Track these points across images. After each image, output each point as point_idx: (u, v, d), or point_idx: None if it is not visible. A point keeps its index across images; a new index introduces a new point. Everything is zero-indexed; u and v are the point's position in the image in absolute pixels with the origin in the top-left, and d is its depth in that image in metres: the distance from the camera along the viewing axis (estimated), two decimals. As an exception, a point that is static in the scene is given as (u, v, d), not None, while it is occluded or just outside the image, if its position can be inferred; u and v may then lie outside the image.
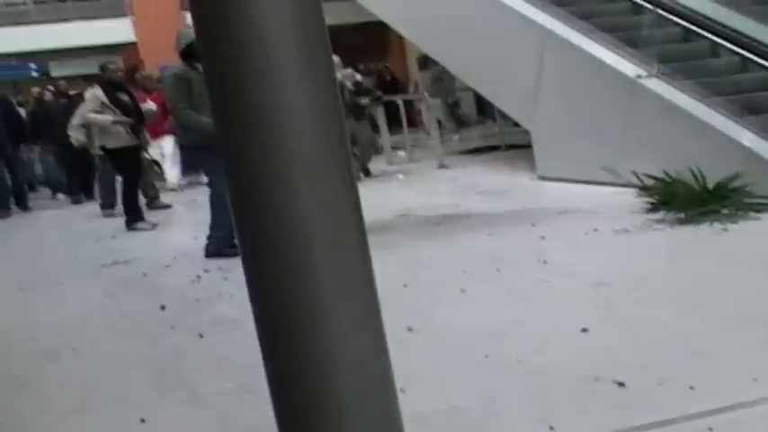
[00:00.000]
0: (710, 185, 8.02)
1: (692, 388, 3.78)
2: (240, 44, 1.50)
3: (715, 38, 10.42)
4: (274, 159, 1.53)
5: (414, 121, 18.82)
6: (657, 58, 9.80)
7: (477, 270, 6.65)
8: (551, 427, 3.52)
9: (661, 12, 10.70)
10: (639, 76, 9.67)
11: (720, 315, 4.85)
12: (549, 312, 5.34)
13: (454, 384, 4.22)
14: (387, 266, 7.13)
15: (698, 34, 10.60)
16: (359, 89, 14.63)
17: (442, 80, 18.71)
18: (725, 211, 7.75)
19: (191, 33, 7.95)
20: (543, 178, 11.37)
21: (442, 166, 14.30)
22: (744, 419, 3.47)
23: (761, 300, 5.04)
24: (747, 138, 8.58)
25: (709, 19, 10.58)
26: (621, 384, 3.89)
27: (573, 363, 4.31)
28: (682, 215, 7.75)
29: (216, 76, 1.54)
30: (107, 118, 11.08)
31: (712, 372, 3.99)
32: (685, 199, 7.97)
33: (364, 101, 14.61)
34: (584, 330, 4.78)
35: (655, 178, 8.41)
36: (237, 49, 1.50)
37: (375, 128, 15.87)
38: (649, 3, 10.87)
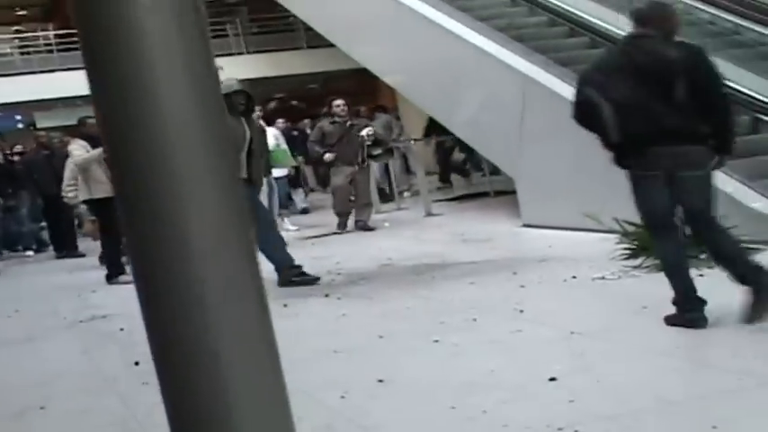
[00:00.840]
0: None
1: (654, 438, 3.75)
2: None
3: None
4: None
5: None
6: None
7: (454, 320, 6.62)
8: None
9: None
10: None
11: (688, 363, 4.83)
12: (519, 362, 5.32)
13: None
14: (364, 317, 7.20)
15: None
16: (375, 141, 14.57)
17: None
18: (703, 256, 7.72)
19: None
20: (527, 225, 11.35)
21: (429, 214, 14.30)
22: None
23: (728, 349, 5.02)
24: (724, 182, 8.57)
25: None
26: (582, 435, 3.86)
27: (537, 413, 4.28)
28: (659, 261, 7.72)
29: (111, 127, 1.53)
30: (98, 151, 10.72)
31: (675, 421, 3.96)
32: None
33: (377, 152, 14.58)
34: (553, 380, 4.75)
35: (635, 224, 8.38)
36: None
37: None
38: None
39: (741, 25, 11.70)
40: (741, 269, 5.73)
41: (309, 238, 13.19)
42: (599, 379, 4.78)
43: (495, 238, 10.98)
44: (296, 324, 7.38)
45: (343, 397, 4.93)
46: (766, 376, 4.45)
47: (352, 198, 13.55)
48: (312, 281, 9.10)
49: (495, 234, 11.26)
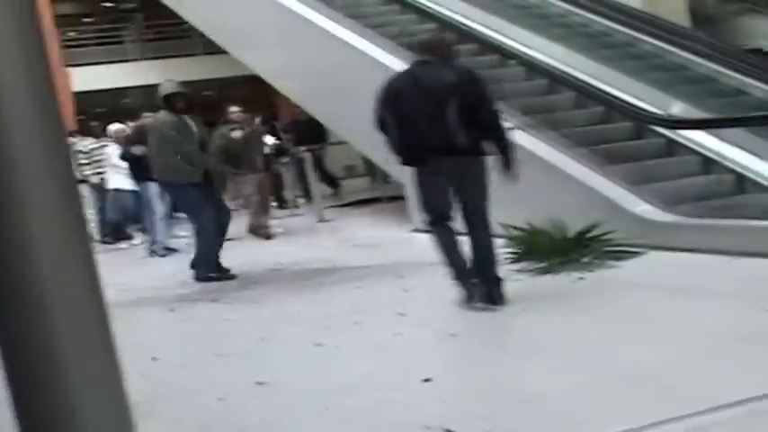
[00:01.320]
0: (573, 234, 8.21)
1: (518, 434, 3.86)
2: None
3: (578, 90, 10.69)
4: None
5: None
6: (522, 111, 10.02)
7: (338, 323, 6.70)
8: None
9: (525, 65, 10.96)
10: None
11: (559, 362, 4.96)
12: (397, 364, 5.41)
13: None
14: (249, 321, 7.25)
15: (562, 87, 10.84)
16: (278, 151, 14.71)
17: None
18: (585, 259, 7.93)
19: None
20: (417, 231, 11.44)
21: (321, 220, 14.37)
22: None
23: (599, 347, 5.18)
24: (608, 187, 8.81)
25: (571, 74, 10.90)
26: (451, 432, 3.96)
27: (409, 413, 4.37)
28: (543, 264, 7.90)
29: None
30: None
31: (540, 417, 4.08)
32: (547, 248, 8.13)
33: (285, 160, 14.83)
34: (428, 380, 4.85)
35: (518, 229, 8.57)
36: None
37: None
38: (513, 57, 11.12)
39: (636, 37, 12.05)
40: (485, 266, 6.81)
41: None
42: (472, 379, 4.90)
43: (384, 243, 11.09)
44: (182, 328, 7.42)
45: (221, 399, 4.98)
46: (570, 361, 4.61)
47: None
48: (230, 277, 9.43)
49: (384, 239, 11.38)
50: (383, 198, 16.08)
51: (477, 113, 6.69)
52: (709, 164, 9.70)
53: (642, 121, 10.02)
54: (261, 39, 15.32)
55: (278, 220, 14.96)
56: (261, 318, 7.34)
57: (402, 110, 6.83)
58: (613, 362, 4.88)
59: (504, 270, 7.83)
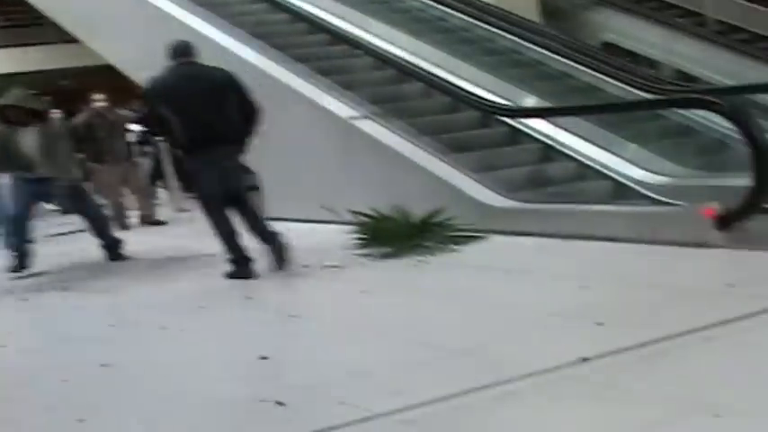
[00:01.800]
0: (417, 220, 8.51)
1: (341, 403, 4.11)
2: None
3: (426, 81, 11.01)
4: None
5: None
6: (370, 100, 10.30)
7: (185, 308, 6.92)
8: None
9: (375, 57, 11.23)
10: (352, 118, 10.14)
11: (389, 339, 5.25)
12: (237, 344, 5.63)
13: (121, 414, 4.43)
14: (98, 308, 7.38)
15: (411, 77, 11.14)
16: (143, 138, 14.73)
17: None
18: (428, 244, 8.23)
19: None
20: (272, 218, 11.61)
21: (181, 210, 14.42)
22: (381, 428, 3.82)
23: (427, 324, 5.49)
24: (451, 174, 9.14)
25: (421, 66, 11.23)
26: (281, 404, 4.19)
27: (244, 388, 4.60)
28: (388, 250, 8.18)
29: None
30: None
31: (362, 388, 4.35)
32: (392, 234, 8.41)
33: (148, 149, 15.06)
34: (264, 358, 5.08)
35: (366, 215, 8.83)
36: None
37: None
38: (363, 49, 11.39)
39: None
40: (264, 234, 7.97)
41: (64, 234, 13.02)
42: (306, 355, 5.15)
43: (239, 230, 11.23)
44: (32, 316, 7.52)
45: (65, 381, 5.13)
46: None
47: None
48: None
49: (239, 227, 11.51)
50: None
51: (245, 106, 7.88)
52: (550, 152, 10.12)
53: (484, 110, 10.38)
54: (114, 29, 15.29)
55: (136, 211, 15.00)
56: (109, 305, 7.48)
57: (180, 106, 7.64)
58: (438, 337, 5.18)
59: (350, 255, 8.15)
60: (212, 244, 10.21)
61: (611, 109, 10.06)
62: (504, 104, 10.59)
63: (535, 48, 11.78)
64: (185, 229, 12.13)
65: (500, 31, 12.28)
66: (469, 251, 7.93)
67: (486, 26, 12.43)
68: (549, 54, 11.57)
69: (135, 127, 14.69)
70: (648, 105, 9.92)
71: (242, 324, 6.20)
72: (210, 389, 4.67)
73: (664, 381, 4.00)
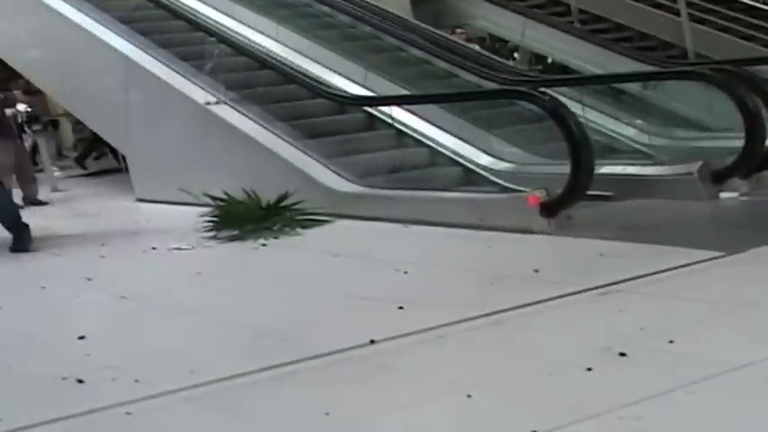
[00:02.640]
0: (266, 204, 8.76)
1: (136, 381, 4.37)
2: None
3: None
4: None
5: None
6: (226, 86, 10.51)
7: (24, 288, 7.08)
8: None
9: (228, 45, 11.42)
10: (209, 103, 10.37)
11: (206, 321, 5.52)
12: (59, 324, 5.87)
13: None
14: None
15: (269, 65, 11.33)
16: (30, 117, 14.76)
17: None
18: (276, 228, 8.48)
19: None
20: (141, 200, 11.78)
21: (55, 190, 14.45)
22: (163, 404, 4.08)
23: (244, 307, 5.81)
24: (302, 160, 9.41)
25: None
26: (81, 381, 4.42)
27: (52, 367, 4.81)
28: (235, 232, 8.41)
29: None
30: None
31: (160, 366, 4.61)
32: (242, 217, 8.64)
33: (36, 128, 14.94)
34: (82, 338, 5.29)
35: (222, 200, 9.04)
36: None
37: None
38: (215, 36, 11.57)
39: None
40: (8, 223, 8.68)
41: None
42: (123, 336, 5.40)
43: (106, 212, 11.39)
44: None
45: None
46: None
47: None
48: None
49: (107, 208, 11.67)
50: (123, 169, 16.25)
51: None
52: (404, 138, 10.43)
53: (335, 100, 10.64)
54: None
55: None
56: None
57: None
58: (248, 319, 5.49)
59: (199, 237, 8.37)
60: (73, 224, 10.46)
61: (442, 99, 10.44)
62: (353, 95, 10.85)
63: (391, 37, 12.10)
64: (54, 210, 12.23)
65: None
66: (312, 235, 8.20)
67: (345, 15, 12.71)
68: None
69: (21, 107, 14.73)
70: (477, 96, 10.39)
71: (74, 304, 6.44)
72: (22, 366, 4.89)
73: (438, 363, 4.33)
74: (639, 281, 5.44)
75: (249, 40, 12.00)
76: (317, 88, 10.62)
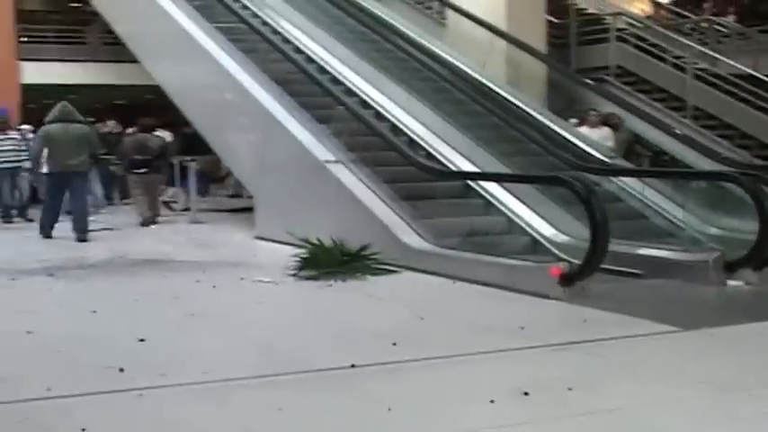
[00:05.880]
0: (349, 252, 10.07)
1: (162, 374, 5.71)
2: None
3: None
4: None
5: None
6: (348, 146, 12.05)
7: (122, 299, 8.65)
8: None
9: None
10: (327, 161, 11.83)
11: (239, 336, 6.89)
12: (134, 328, 7.15)
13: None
14: (55, 291, 9.04)
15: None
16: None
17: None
18: (350, 272, 9.71)
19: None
20: (259, 238, 13.22)
21: (193, 222, 16.05)
22: (172, 392, 5.42)
23: (266, 327, 7.16)
24: (390, 218, 10.70)
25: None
26: (122, 370, 5.77)
27: (106, 357, 6.14)
28: (314, 273, 9.68)
29: None
30: None
31: (182, 365, 5.97)
32: (324, 260, 9.93)
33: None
34: (142, 340, 6.65)
35: (310, 242, 10.37)
36: None
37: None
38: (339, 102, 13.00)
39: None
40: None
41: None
42: (174, 342, 6.78)
43: (225, 245, 12.85)
44: (4, 293, 9.16)
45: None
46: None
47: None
48: None
49: (227, 242, 13.17)
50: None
51: None
52: (490, 207, 11.70)
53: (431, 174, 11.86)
54: (163, 51, 17.26)
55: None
56: (73, 291, 9.15)
57: None
58: (258, 336, 7.06)
59: (283, 273, 9.68)
60: (193, 252, 11.94)
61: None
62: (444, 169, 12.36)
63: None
64: (182, 239, 13.87)
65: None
66: (375, 282, 9.43)
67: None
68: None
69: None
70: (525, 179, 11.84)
71: (152, 316, 7.93)
72: (79, 354, 6.37)
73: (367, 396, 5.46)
74: (592, 343, 6.56)
75: (383, 108, 13.75)
76: (411, 158, 11.82)
